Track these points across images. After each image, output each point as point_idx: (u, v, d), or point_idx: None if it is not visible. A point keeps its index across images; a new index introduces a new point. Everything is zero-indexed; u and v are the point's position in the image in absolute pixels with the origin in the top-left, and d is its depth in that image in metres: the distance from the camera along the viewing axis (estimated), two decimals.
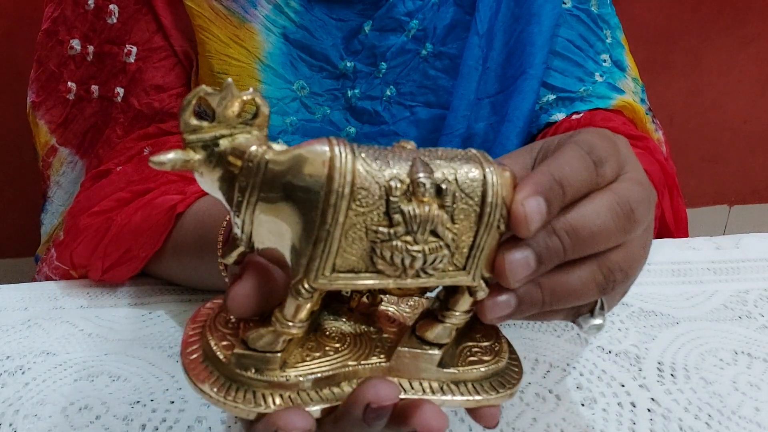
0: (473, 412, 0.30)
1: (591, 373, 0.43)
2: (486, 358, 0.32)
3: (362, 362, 0.30)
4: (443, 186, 0.27)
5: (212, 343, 0.29)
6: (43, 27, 0.64)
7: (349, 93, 0.62)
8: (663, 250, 0.58)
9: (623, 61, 0.70)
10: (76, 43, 0.63)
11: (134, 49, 0.61)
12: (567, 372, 0.43)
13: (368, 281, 0.28)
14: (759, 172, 1.78)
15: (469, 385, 0.31)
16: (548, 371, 0.43)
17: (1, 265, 1.39)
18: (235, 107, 0.26)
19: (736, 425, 0.39)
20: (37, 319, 0.50)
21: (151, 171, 0.58)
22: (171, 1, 0.60)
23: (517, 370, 0.32)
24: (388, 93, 0.63)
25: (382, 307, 0.34)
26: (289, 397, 0.28)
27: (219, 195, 0.27)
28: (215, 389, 0.28)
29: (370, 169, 0.26)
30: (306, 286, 0.27)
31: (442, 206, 0.27)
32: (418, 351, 0.30)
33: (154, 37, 0.61)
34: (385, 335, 0.32)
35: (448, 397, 0.30)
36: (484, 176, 0.28)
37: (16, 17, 1.20)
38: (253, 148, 0.26)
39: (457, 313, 0.30)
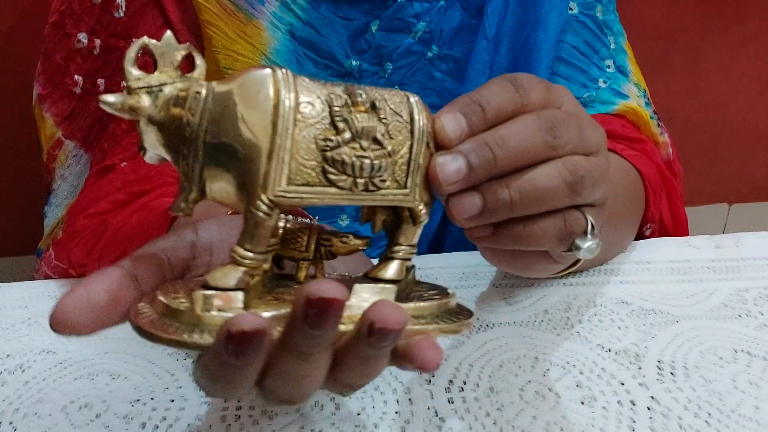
0: (415, 352, 0.29)
1: (591, 372, 0.43)
2: (436, 297, 0.33)
3: None
4: (376, 102, 0.30)
5: (166, 300, 0.29)
6: (50, 20, 0.64)
7: None
8: (663, 249, 0.58)
9: (626, 67, 0.70)
10: (83, 37, 0.63)
11: None
12: (567, 370, 0.43)
13: (323, 196, 0.29)
14: (759, 171, 1.78)
15: (428, 317, 0.32)
16: (548, 369, 0.43)
17: (1, 263, 1.39)
18: (175, 58, 0.28)
19: (735, 423, 0.39)
20: (38, 318, 0.50)
21: (149, 171, 0.58)
22: None
23: (467, 310, 0.34)
24: None
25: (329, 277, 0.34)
26: None
27: (159, 146, 0.28)
28: (185, 335, 0.27)
29: (309, 86, 0.29)
30: (264, 199, 0.28)
31: (378, 119, 0.30)
32: (376, 286, 0.31)
33: (161, 32, 0.61)
34: None
35: (409, 327, 0.30)
36: (407, 99, 0.31)
37: (17, 14, 1.20)
38: (199, 82, 0.28)
39: (404, 246, 0.33)
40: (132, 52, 0.28)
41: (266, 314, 0.28)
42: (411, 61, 0.63)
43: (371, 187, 0.30)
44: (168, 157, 0.29)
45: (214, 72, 0.60)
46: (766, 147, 1.75)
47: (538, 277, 0.53)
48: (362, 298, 0.31)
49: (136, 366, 0.44)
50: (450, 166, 0.31)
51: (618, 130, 0.65)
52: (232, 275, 0.28)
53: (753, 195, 1.81)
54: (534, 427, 0.39)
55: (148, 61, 0.28)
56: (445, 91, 0.64)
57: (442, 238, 0.66)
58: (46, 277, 0.60)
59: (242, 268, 0.28)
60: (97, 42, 0.62)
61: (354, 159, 0.29)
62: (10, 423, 0.39)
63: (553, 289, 0.52)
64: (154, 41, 0.28)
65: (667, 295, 0.52)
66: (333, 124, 0.29)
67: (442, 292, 0.34)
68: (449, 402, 0.41)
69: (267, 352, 0.27)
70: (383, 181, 0.30)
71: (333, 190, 0.29)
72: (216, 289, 0.28)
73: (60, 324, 0.27)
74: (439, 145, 0.31)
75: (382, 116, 0.30)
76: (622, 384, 0.42)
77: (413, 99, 0.31)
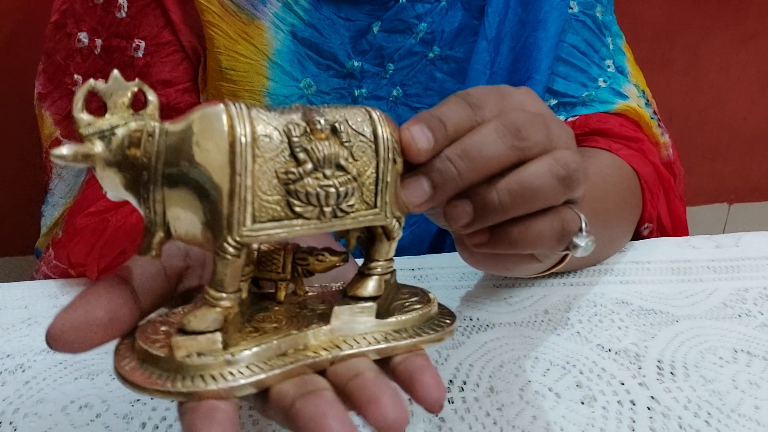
0: (417, 391, 0.29)
1: (591, 372, 0.43)
2: (417, 306, 0.33)
3: (304, 329, 0.30)
4: (337, 125, 0.30)
5: (145, 346, 0.28)
6: (52, 19, 0.64)
7: (356, 92, 0.62)
8: (662, 249, 0.58)
9: (624, 68, 0.71)
10: (83, 36, 0.62)
11: (142, 44, 0.61)
12: (567, 370, 0.43)
13: (290, 229, 0.28)
14: (758, 170, 1.78)
15: (410, 330, 0.31)
16: (548, 369, 0.43)
17: (1, 263, 1.39)
18: (126, 97, 0.27)
19: (735, 423, 0.39)
20: (37, 318, 0.50)
21: None
22: None
23: (449, 314, 0.34)
24: (395, 94, 0.63)
25: (310, 293, 0.34)
26: (235, 371, 0.28)
27: (120, 189, 0.27)
28: (168, 384, 0.27)
29: (266, 118, 0.28)
30: (231, 241, 0.27)
31: (340, 143, 0.29)
32: (355, 306, 0.31)
33: (163, 32, 0.61)
34: (319, 311, 0.32)
35: (392, 344, 0.30)
36: (370, 115, 0.31)
37: (18, 14, 1.20)
38: (151, 123, 0.27)
39: (381, 262, 0.32)
40: (80, 97, 0.27)
41: (265, 376, 0.28)
42: (412, 62, 0.63)
43: (339, 214, 0.29)
44: (130, 199, 0.28)
45: (216, 72, 0.60)
46: (766, 146, 1.75)
47: (521, 277, 0.53)
48: (343, 321, 0.31)
49: None
50: (415, 188, 0.31)
51: (615, 129, 0.65)
52: (208, 317, 0.28)
53: (753, 195, 1.81)
54: (534, 427, 0.39)
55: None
56: (447, 91, 0.64)
57: (443, 238, 0.66)
58: (46, 277, 0.60)
59: (218, 309, 0.28)
60: (98, 42, 0.62)
61: (318, 189, 0.29)
62: (11, 423, 0.39)
63: (554, 290, 0.52)
64: (101, 82, 0.27)
65: (667, 294, 0.52)
66: (293, 155, 0.28)
67: (424, 298, 0.34)
68: (449, 402, 0.41)
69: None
70: (351, 206, 0.30)
71: (300, 221, 0.29)
72: (194, 333, 0.28)
73: (57, 342, 0.27)
74: (407, 157, 0.31)
75: (344, 140, 0.30)
76: (622, 384, 0.42)
77: (375, 114, 0.31)
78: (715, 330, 0.47)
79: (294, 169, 0.28)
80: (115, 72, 0.27)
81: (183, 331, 0.28)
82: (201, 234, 0.27)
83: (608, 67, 0.69)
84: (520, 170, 0.32)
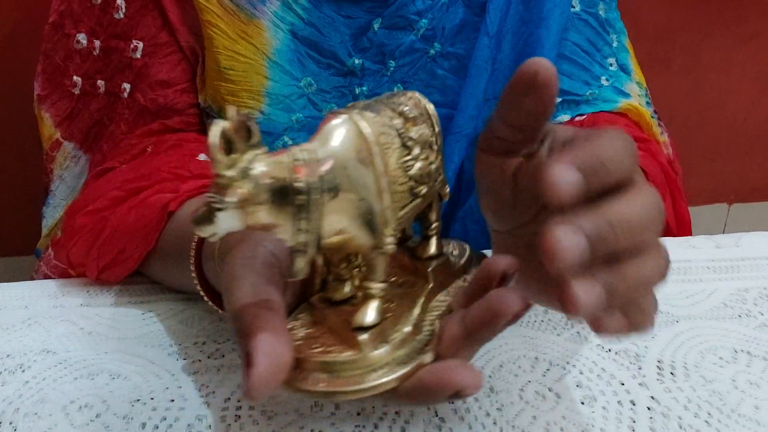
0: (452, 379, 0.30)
1: (591, 372, 0.43)
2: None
3: (417, 300, 0.35)
4: (416, 110, 0.34)
5: (326, 358, 0.31)
6: (50, 20, 0.64)
7: (357, 90, 0.62)
8: None
9: (628, 66, 0.71)
10: (82, 37, 0.62)
11: (140, 45, 0.61)
12: (567, 370, 0.43)
13: (412, 210, 0.33)
14: (758, 171, 1.78)
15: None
16: (548, 369, 0.43)
17: (1, 263, 1.39)
18: (243, 131, 0.27)
19: (735, 423, 0.39)
20: (37, 318, 0.50)
21: (146, 169, 0.58)
22: None
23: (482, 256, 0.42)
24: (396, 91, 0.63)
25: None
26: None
27: (268, 221, 0.27)
28: (372, 378, 0.30)
29: (374, 119, 0.31)
30: (388, 234, 0.31)
31: (425, 125, 0.34)
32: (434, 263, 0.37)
33: (160, 33, 0.61)
34: (407, 280, 0.38)
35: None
36: (417, 97, 0.36)
37: (18, 14, 1.20)
38: (292, 153, 0.27)
39: (435, 223, 0.38)
40: (216, 140, 0.25)
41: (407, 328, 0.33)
42: (413, 59, 0.63)
43: (436, 186, 0.35)
44: (280, 227, 0.27)
45: (215, 72, 0.60)
46: (766, 147, 1.75)
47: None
48: (438, 281, 0.37)
49: (136, 366, 0.44)
50: (571, 242, 0.26)
51: (623, 130, 0.64)
52: (378, 309, 0.32)
53: (753, 195, 1.81)
54: (534, 427, 0.39)
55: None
56: (448, 88, 0.64)
57: (446, 236, 0.67)
58: (45, 276, 0.60)
59: (379, 300, 0.31)
60: (97, 43, 0.62)
61: (430, 168, 0.33)
62: (10, 423, 0.39)
63: None
64: (228, 123, 0.26)
65: (666, 294, 0.52)
66: (404, 145, 0.32)
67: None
68: (449, 402, 0.41)
69: None
70: (440, 174, 0.35)
71: (417, 200, 0.33)
72: (370, 327, 0.31)
73: (257, 398, 0.29)
74: (544, 197, 0.26)
75: (419, 122, 0.34)
76: (622, 384, 0.42)
77: (417, 94, 0.35)
78: (715, 330, 0.47)
79: (408, 157, 0.32)
80: (233, 109, 0.26)
81: (360, 329, 0.31)
82: (358, 237, 0.30)
83: (611, 65, 0.69)
84: (642, 263, 0.29)
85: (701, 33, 1.57)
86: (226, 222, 0.26)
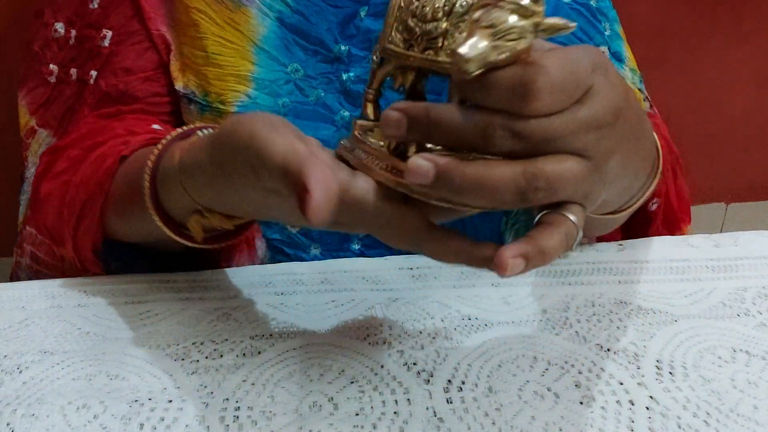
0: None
1: (589, 371, 0.43)
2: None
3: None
4: None
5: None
6: (34, 9, 0.65)
7: (344, 76, 0.63)
8: (661, 248, 0.58)
9: (621, 53, 0.72)
10: (60, 26, 0.64)
11: (109, 34, 0.63)
12: (565, 370, 0.43)
13: None
14: (756, 170, 1.78)
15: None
16: (546, 369, 0.43)
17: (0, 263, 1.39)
18: None
19: (734, 423, 0.39)
20: (35, 318, 0.49)
21: (101, 129, 0.60)
22: None
23: None
24: None
25: None
26: None
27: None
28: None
29: None
30: None
31: None
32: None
33: (131, 22, 0.63)
34: None
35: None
36: None
37: (15, 12, 1.19)
38: None
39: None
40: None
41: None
42: None
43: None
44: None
45: (202, 58, 0.61)
46: (763, 145, 1.75)
47: None
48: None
49: (134, 366, 0.44)
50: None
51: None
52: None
53: (750, 194, 1.81)
54: (533, 427, 0.39)
55: None
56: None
57: None
58: (32, 256, 0.61)
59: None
60: (73, 32, 0.64)
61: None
62: (8, 424, 0.39)
63: (552, 289, 0.52)
64: None
65: (665, 294, 0.52)
66: None
67: None
68: (448, 402, 0.40)
69: None
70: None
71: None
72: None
73: (318, 219, 0.32)
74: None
75: None
76: (621, 384, 0.42)
77: None
78: (714, 329, 0.47)
79: None
80: None
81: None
82: None
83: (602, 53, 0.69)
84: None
85: (698, 32, 1.57)
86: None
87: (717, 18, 1.56)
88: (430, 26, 0.35)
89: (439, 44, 0.35)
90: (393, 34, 0.36)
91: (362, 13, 0.62)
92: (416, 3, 0.35)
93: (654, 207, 0.63)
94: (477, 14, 0.32)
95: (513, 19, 0.32)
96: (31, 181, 0.67)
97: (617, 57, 0.71)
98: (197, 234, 0.46)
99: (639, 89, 0.72)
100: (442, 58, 0.35)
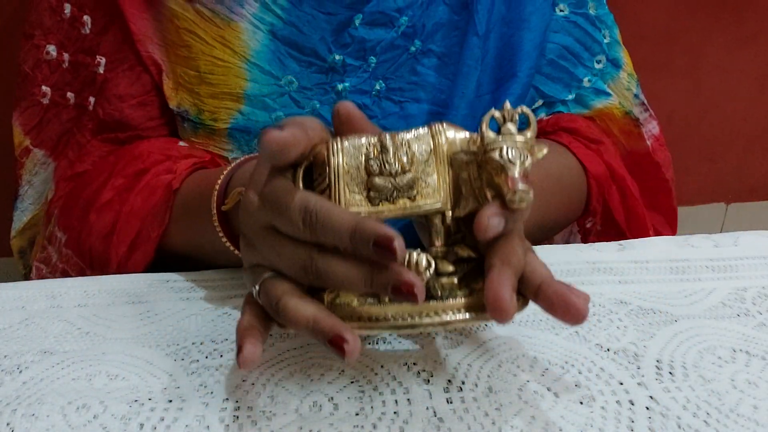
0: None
1: (589, 371, 0.43)
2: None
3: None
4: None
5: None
6: (24, 30, 0.66)
7: (339, 87, 0.63)
8: (661, 248, 0.58)
9: (619, 59, 0.72)
10: (52, 49, 0.65)
11: (103, 60, 0.63)
12: (565, 370, 0.43)
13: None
14: (756, 170, 1.78)
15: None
16: (546, 369, 0.43)
17: (1, 263, 1.39)
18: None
19: (734, 423, 0.39)
20: (35, 318, 0.49)
21: (137, 151, 0.61)
22: (146, 4, 0.61)
23: None
24: (378, 87, 0.64)
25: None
26: None
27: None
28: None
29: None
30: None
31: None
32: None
33: (122, 47, 0.63)
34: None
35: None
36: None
37: (15, 14, 1.19)
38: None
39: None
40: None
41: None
42: (394, 56, 0.63)
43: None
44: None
45: (195, 77, 0.61)
46: (764, 146, 1.75)
47: None
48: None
49: (134, 366, 0.44)
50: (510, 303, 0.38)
51: (582, 130, 0.68)
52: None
53: (750, 194, 1.81)
54: (532, 427, 0.39)
55: None
56: (429, 85, 0.64)
57: None
58: (64, 273, 0.62)
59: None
60: (66, 56, 0.65)
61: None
62: (8, 424, 0.39)
63: None
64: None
65: (665, 294, 0.52)
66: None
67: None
68: (448, 402, 0.40)
69: None
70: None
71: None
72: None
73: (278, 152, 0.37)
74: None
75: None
76: (621, 384, 0.42)
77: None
78: (714, 329, 0.47)
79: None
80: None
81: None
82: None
83: (599, 62, 0.70)
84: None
85: (701, 34, 1.57)
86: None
87: (720, 21, 1.56)
88: (399, 179, 0.37)
89: (414, 192, 0.38)
90: (348, 197, 0.37)
91: (357, 22, 0.62)
92: (373, 163, 0.37)
93: (589, 224, 0.68)
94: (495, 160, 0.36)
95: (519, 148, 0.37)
96: (28, 202, 0.70)
97: (615, 63, 0.71)
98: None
99: (635, 94, 0.73)
100: (424, 201, 0.38)
